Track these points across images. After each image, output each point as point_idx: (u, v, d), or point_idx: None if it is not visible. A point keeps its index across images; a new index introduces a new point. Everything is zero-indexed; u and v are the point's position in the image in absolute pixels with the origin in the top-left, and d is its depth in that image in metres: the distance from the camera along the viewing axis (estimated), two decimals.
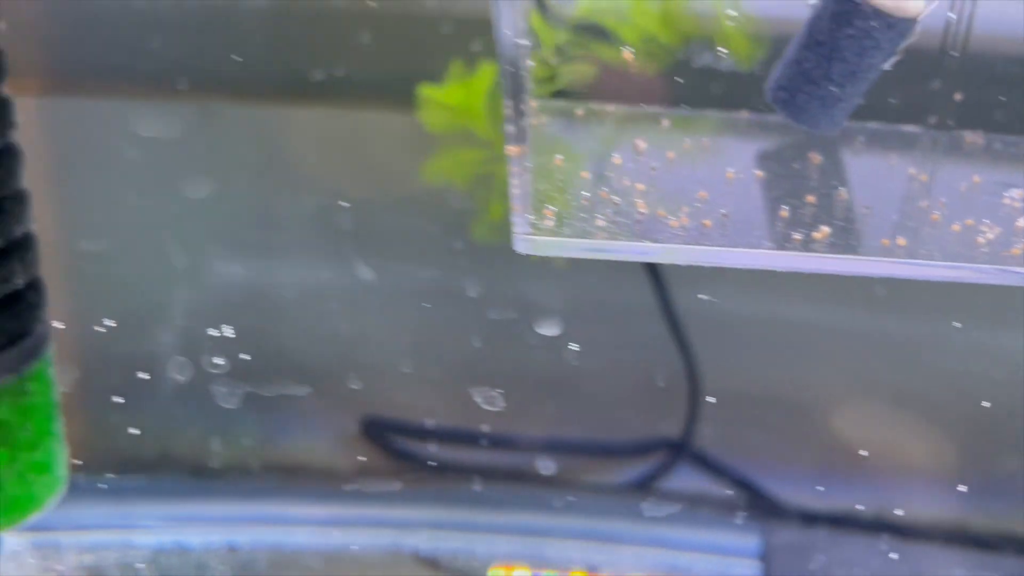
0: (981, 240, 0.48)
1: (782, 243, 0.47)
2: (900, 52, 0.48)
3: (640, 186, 0.50)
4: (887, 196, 0.51)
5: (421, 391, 0.69)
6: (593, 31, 0.59)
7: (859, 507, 0.65)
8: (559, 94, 0.59)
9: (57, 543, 0.65)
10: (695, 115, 0.56)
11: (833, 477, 0.67)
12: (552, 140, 0.52)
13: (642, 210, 0.48)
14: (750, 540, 0.65)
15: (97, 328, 0.70)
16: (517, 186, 0.45)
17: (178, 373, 0.70)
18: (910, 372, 0.67)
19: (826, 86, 0.47)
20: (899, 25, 0.47)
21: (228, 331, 0.70)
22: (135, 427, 0.70)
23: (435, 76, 0.63)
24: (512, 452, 0.71)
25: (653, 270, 0.68)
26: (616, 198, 0.49)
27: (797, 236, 0.48)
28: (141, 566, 0.65)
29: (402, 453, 0.71)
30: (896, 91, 0.54)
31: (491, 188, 0.61)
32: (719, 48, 0.54)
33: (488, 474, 0.70)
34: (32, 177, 0.55)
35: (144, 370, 0.70)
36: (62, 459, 0.58)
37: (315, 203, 0.71)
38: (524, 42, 0.43)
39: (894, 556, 0.62)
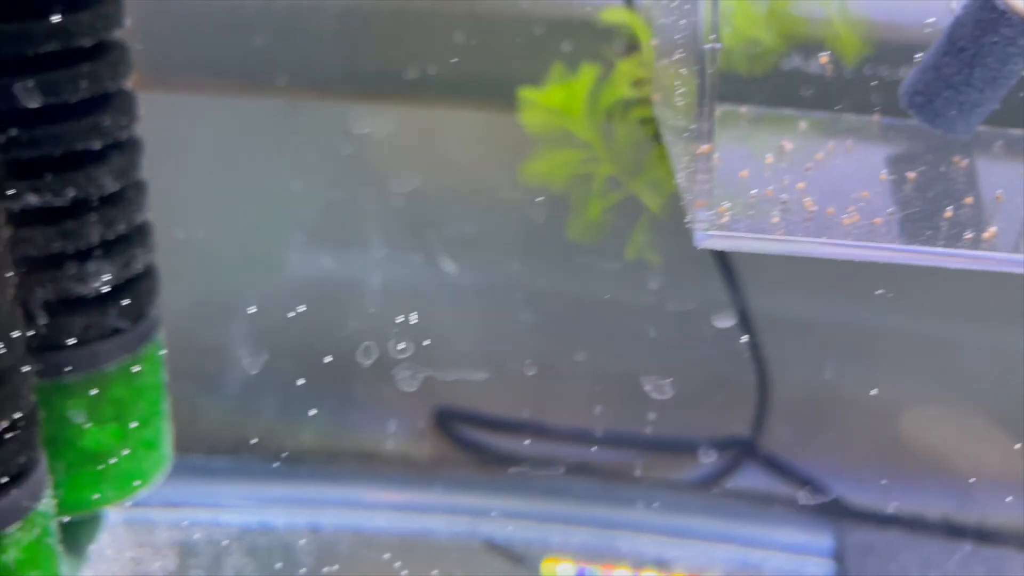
0: None
1: (954, 242, 0.48)
2: None
3: (800, 185, 0.51)
4: None
5: (509, 384, 0.71)
6: None
7: (934, 509, 0.66)
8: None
9: (150, 519, 0.67)
10: (826, 117, 0.58)
11: (908, 478, 0.68)
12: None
13: (811, 208, 0.50)
14: (823, 539, 0.66)
15: (181, 313, 0.72)
16: (703, 182, 0.47)
17: (263, 358, 0.72)
18: (994, 378, 0.68)
19: (966, 91, 0.48)
20: None
21: (313, 317, 0.72)
22: (221, 409, 0.72)
23: (525, 76, 0.65)
24: (581, 445, 0.72)
25: (727, 268, 0.70)
26: (784, 196, 0.50)
27: (968, 235, 0.48)
28: (227, 543, 0.67)
29: (477, 444, 0.72)
30: None
31: (588, 188, 0.63)
32: (824, 51, 0.55)
33: (560, 466, 0.71)
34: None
35: (233, 354, 0.73)
36: (168, 438, 0.61)
37: (396, 196, 0.73)
38: (717, 44, 0.45)
39: (969, 558, 0.63)
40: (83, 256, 0.53)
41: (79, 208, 0.53)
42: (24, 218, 0.51)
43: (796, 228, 0.48)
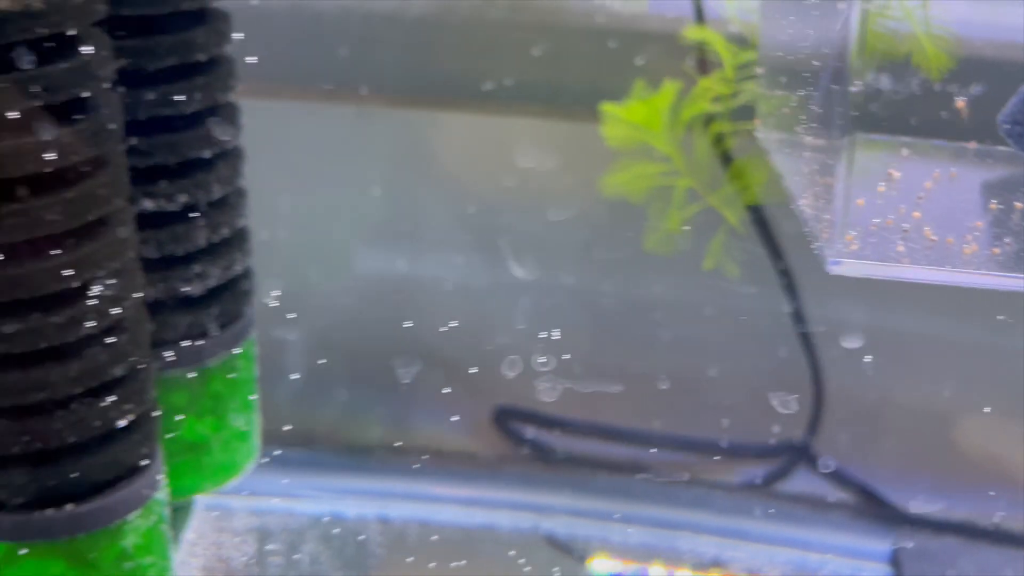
0: None
1: None
2: None
3: (916, 214, 0.53)
4: None
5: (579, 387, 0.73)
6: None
7: (991, 517, 0.68)
8: (740, 111, 0.63)
9: (228, 506, 0.70)
10: (924, 143, 0.59)
11: (964, 486, 0.70)
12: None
13: (931, 237, 0.51)
14: (880, 544, 0.68)
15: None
16: (835, 211, 0.49)
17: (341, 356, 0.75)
18: None
19: None
20: None
21: (389, 319, 0.75)
22: (297, 403, 0.75)
23: (601, 89, 0.67)
24: (638, 446, 0.74)
25: (789, 283, 0.72)
26: (905, 225, 0.52)
27: None
28: (300, 532, 0.69)
29: (536, 443, 0.75)
30: None
31: (668, 201, 0.65)
32: (910, 69, 0.56)
33: (619, 467, 0.73)
34: None
35: (310, 353, 0.75)
36: (258, 430, 0.64)
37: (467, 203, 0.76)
38: (857, 84, 0.47)
39: None
40: (190, 259, 0.56)
41: (188, 213, 0.56)
42: (139, 222, 0.53)
43: (919, 256, 0.50)
